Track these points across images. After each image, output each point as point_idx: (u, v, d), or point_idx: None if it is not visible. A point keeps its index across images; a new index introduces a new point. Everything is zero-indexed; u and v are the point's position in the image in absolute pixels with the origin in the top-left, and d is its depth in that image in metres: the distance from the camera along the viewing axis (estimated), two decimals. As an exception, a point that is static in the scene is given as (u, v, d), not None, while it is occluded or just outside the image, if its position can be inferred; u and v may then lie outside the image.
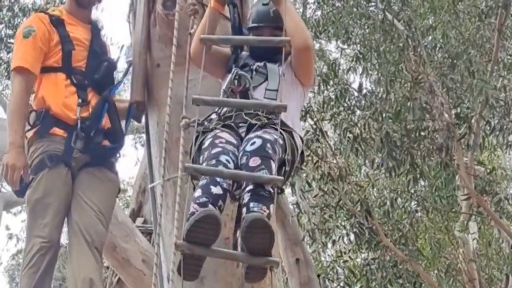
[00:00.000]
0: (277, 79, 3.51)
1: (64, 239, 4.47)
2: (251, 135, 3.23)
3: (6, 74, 11.50)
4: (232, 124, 3.39)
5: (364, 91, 8.29)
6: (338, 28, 8.50)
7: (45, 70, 4.04)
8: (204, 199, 3.07)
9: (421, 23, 8.22)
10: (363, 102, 8.20)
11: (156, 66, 4.17)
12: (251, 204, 3.01)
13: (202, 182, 3.15)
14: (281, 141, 3.24)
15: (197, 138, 3.35)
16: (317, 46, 9.57)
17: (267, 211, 2.99)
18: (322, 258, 10.90)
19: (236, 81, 3.48)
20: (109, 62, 4.20)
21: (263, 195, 3.04)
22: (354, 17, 8.43)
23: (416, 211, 8.94)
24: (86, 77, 4.07)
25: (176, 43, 3.65)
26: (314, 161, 8.51)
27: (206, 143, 3.27)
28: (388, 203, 8.47)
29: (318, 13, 9.13)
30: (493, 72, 7.91)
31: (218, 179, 3.12)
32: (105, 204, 3.99)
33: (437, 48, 8.22)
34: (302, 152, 3.53)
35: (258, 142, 3.13)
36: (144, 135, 4.63)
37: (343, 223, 8.90)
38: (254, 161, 3.07)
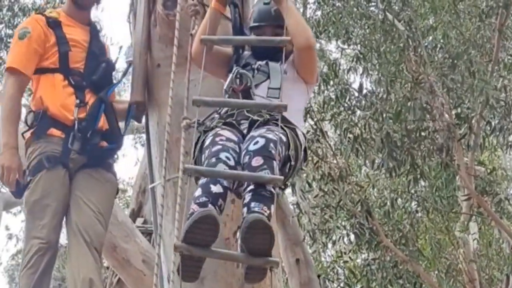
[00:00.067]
0: (279, 77, 3.51)
1: (63, 240, 4.47)
2: (254, 133, 3.22)
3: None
4: (234, 121, 3.39)
5: (365, 91, 8.29)
6: (339, 28, 8.50)
7: (43, 71, 4.04)
8: (204, 198, 3.06)
9: (421, 23, 8.22)
10: (363, 102, 8.20)
11: (157, 67, 4.16)
12: (252, 204, 3.00)
13: (202, 180, 3.14)
14: (284, 139, 3.24)
15: (199, 138, 3.35)
16: (317, 46, 9.55)
17: (268, 211, 2.99)
18: (322, 259, 10.90)
19: (238, 80, 3.48)
20: (107, 63, 4.20)
21: (264, 195, 3.03)
22: (355, 17, 8.43)
23: (417, 211, 8.95)
24: (84, 78, 4.07)
25: (177, 44, 3.65)
26: (315, 161, 8.52)
27: (207, 142, 3.27)
28: (388, 203, 8.47)
29: (318, 13, 9.13)
30: (493, 72, 7.92)
31: (218, 176, 3.11)
32: (104, 205, 3.99)
33: (438, 48, 8.22)
34: (305, 149, 3.51)
35: (261, 141, 3.12)
36: (144, 135, 4.63)
37: (343, 224, 8.89)
38: (257, 161, 3.07)
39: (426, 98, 7.61)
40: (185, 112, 3.45)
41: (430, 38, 8.42)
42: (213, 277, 3.80)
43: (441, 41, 8.10)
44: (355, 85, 8.69)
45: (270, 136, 3.16)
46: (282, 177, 3.09)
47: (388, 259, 8.17)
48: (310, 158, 8.46)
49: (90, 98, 4.04)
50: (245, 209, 3.03)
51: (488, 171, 8.73)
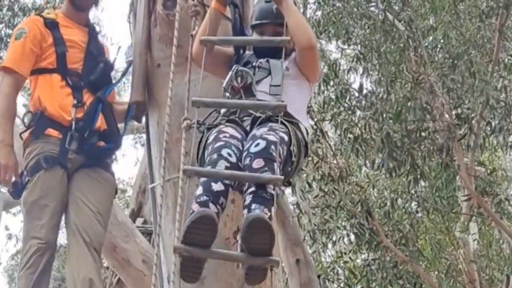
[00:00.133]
0: (280, 74, 3.51)
1: (63, 240, 4.47)
2: (256, 132, 3.22)
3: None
4: (237, 118, 3.39)
5: (365, 91, 8.29)
6: (339, 28, 8.50)
7: (41, 71, 4.06)
8: (205, 197, 3.06)
9: (421, 23, 8.22)
10: (363, 102, 8.20)
11: (157, 66, 4.17)
12: (253, 206, 3.00)
13: (203, 178, 3.14)
14: (286, 138, 3.24)
15: (202, 135, 3.35)
16: (317, 46, 9.56)
17: (269, 213, 2.98)
18: (323, 259, 10.90)
19: (239, 78, 3.47)
20: (105, 63, 4.21)
21: (265, 197, 3.02)
22: (355, 17, 8.42)
23: (417, 211, 8.95)
24: (82, 78, 4.08)
25: (177, 43, 3.65)
26: (315, 161, 8.51)
27: (211, 138, 3.28)
28: (388, 203, 8.47)
29: (319, 13, 9.13)
30: (493, 72, 7.92)
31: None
32: (103, 204, 3.99)
33: (438, 49, 8.23)
34: (307, 144, 3.51)
35: (262, 144, 3.12)
36: (144, 135, 4.63)
37: (343, 224, 8.89)
38: (258, 163, 3.07)
39: (426, 98, 7.61)
40: (185, 113, 3.44)
41: (431, 38, 8.43)
42: (213, 277, 3.80)
43: (442, 41, 8.10)
44: (355, 85, 8.69)
45: (271, 137, 3.15)
46: (282, 177, 3.08)
47: (388, 260, 8.17)
48: (310, 159, 8.47)
49: (88, 98, 4.05)
50: (245, 211, 3.03)
51: (488, 171, 8.72)
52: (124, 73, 4.52)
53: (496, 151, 10.36)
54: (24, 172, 3.93)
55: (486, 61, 8.12)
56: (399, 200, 8.85)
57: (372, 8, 8.48)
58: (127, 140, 16.41)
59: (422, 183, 8.45)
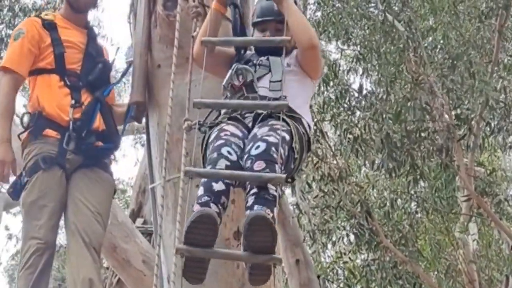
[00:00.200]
0: (280, 70, 3.51)
1: (63, 240, 4.48)
2: (257, 131, 3.21)
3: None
4: (238, 116, 3.39)
5: (364, 92, 8.31)
6: (338, 29, 8.52)
7: (39, 71, 4.07)
8: (206, 198, 3.05)
9: (421, 24, 8.24)
10: (363, 103, 8.21)
11: (157, 67, 4.16)
12: (255, 207, 2.99)
13: (204, 178, 3.15)
14: (287, 137, 3.23)
15: (204, 136, 3.36)
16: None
17: (271, 214, 2.97)
18: (322, 259, 10.91)
19: (240, 77, 3.47)
20: (104, 64, 4.22)
21: (267, 198, 3.02)
22: (354, 18, 8.44)
23: (416, 212, 8.96)
24: (81, 79, 4.09)
25: (177, 44, 3.65)
26: (314, 162, 8.52)
27: (212, 137, 3.28)
28: (388, 204, 8.49)
29: (318, 13, 9.15)
30: (493, 73, 7.94)
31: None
32: (102, 204, 3.99)
33: (438, 49, 8.24)
34: (309, 139, 3.51)
35: (263, 146, 3.12)
36: (144, 136, 4.63)
37: (343, 224, 8.90)
38: (259, 165, 3.06)
39: (426, 99, 7.63)
40: (186, 114, 3.44)
41: (430, 39, 8.44)
42: (214, 278, 3.80)
43: (441, 42, 8.11)
44: (355, 86, 8.72)
45: (271, 139, 3.14)
46: (283, 175, 3.07)
47: (388, 260, 8.18)
48: (310, 159, 8.48)
49: (86, 99, 4.06)
50: (247, 212, 3.02)
51: (488, 172, 8.74)
52: (124, 74, 4.52)
53: (495, 151, 10.37)
54: (23, 172, 3.93)
55: (486, 62, 8.14)
56: (399, 201, 8.87)
57: (371, 9, 8.51)
58: (127, 141, 16.44)
59: (422, 184, 8.47)
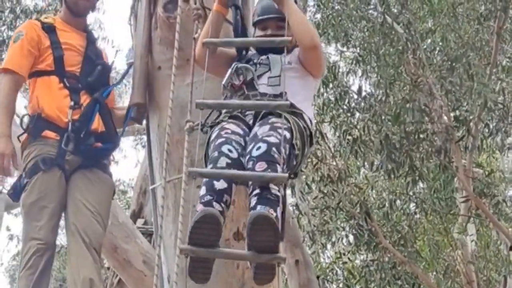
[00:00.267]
0: (279, 66, 3.54)
1: (64, 241, 4.49)
2: (258, 130, 3.22)
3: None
4: (239, 114, 3.41)
5: (364, 93, 8.32)
6: (338, 31, 8.53)
7: (39, 73, 4.09)
8: (208, 197, 3.07)
9: (420, 26, 8.25)
10: (362, 104, 8.23)
11: (158, 69, 4.17)
12: (258, 207, 3.00)
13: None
14: (288, 135, 3.24)
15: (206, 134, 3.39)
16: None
17: (274, 214, 2.98)
18: (322, 260, 10.91)
19: (241, 76, 3.49)
20: (103, 66, 4.24)
21: (270, 198, 3.03)
22: (354, 20, 8.45)
23: (415, 213, 8.97)
24: (80, 80, 4.11)
25: (177, 46, 3.67)
26: (314, 163, 8.54)
27: (213, 136, 3.30)
28: (387, 205, 8.51)
29: (318, 16, 9.16)
30: (491, 75, 7.95)
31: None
32: (101, 205, 4.01)
33: (436, 51, 8.25)
34: (311, 134, 3.52)
35: (264, 147, 3.12)
36: (145, 137, 4.64)
37: (342, 225, 8.92)
38: (260, 166, 3.06)
39: (425, 101, 7.64)
40: (188, 115, 3.46)
41: (429, 41, 8.45)
42: (214, 278, 3.79)
43: (440, 44, 8.13)
44: (354, 88, 8.73)
45: (272, 139, 3.15)
46: (286, 175, 3.07)
47: (387, 260, 8.19)
48: (309, 160, 8.50)
49: (85, 100, 4.08)
50: (251, 212, 3.03)
51: (486, 173, 8.76)
52: (124, 75, 4.54)
53: (494, 153, 10.38)
54: (23, 174, 3.95)
55: (484, 64, 8.16)
56: (398, 201, 8.88)
57: (371, 11, 8.52)
58: (128, 142, 16.45)
59: (421, 185, 8.48)
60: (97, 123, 4.08)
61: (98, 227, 3.94)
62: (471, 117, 7.73)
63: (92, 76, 4.14)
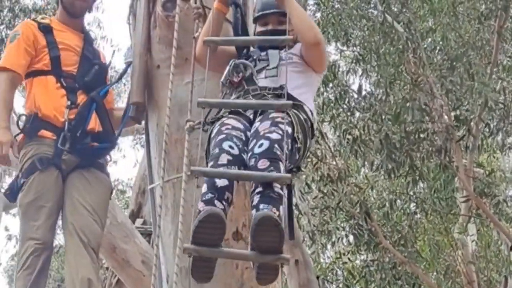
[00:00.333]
0: (277, 58, 3.54)
1: (63, 241, 4.48)
2: (259, 126, 3.21)
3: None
4: (240, 109, 3.40)
5: (364, 93, 8.32)
6: (338, 30, 8.53)
7: (36, 73, 4.09)
8: (210, 195, 3.06)
9: (420, 25, 8.24)
10: (362, 103, 8.23)
11: (156, 68, 4.16)
12: (261, 206, 2.99)
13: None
14: (290, 130, 3.24)
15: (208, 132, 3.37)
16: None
17: (277, 213, 2.97)
18: (322, 260, 10.91)
19: (240, 73, 3.48)
20: (99, 66, 4.23)
21: (272, 197, 3.02)
22: (354, 19, 8.45)
23: (415, 213, 8.96)
24: (77, 80, 4.11)
25: (176, 45, 3.66)
26: (314, 162, 8.53)
27: (214, 132, 3.29)
28: (387, 204, 8.50)
29: (318, 15, 9.15)
30: (492, 74, 7.94)
31: (222, 168, 3.11)
32: (99, 205, 4.00)
33: (437, 50, 8.25)
34: (313, 125, 3.51)
35: (266, 144, 3.12)
36: (144, 136, 4.63)
37: (342, 225, 8.91)
38: (263, 163, 3.06)
39: (425, 100, 7.63)
40: (188, 115, 3.45)
41: (429, 40, 8.45)
42: (213, 278, 3.81)
43: (440, 43, 8.12)
44: (354, 87, 8.74)
45: (274, 136, 3.14)
46: (289, 175, 3.07)
47: (387, 260, 8.19)
48: (309, 160, 8.49)
49: (82, 100, 4.08)
50: (253, 211, 3.02)
51: (487, 173, 8.75)
52: (122, 74, 4.54)
53: (494, 152, 10.37)
54: (19, 174, 3.94)
55: (485, 63, 8.15)
56: (398, 201, 8.87)
57: (371, 10, 8.51)
58: (127, 141, 16.44)
59: (421, 184, 8.47)
60: (94, 123, 4.07)
61: (96, 226, 3.93)
62: (471, 117, 7.73)
63: (89, 75, 4.14)
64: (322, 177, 8.28)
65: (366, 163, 8.38)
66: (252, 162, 3.10)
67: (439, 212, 8.65)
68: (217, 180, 3.09)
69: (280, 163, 3.08)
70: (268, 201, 3.00)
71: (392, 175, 7.69)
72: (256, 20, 3.74)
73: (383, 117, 7.72)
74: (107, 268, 6.83)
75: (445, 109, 8.02)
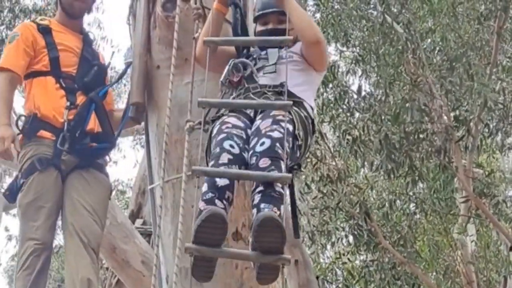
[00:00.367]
0: (275, 56, 3.56)
1: (62, 241, 4.48)
2: (260, 124, 3.22)
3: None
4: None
5: (363, 93, 8.32)
6: (338, 30, 8.52)
7: (35, 74, 4.10)
8: (210, 194, 3.07)
9: (420, 25, 8.24)
10: (362, 104, 8.23)
11: (156, 68, 4.17)
12: (262, 205, 3.00)
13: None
14: (291, 128, 3.25)
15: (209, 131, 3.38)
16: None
17: (278, 212, 2.99)
18: (321, 260, 10.92)
19: (239, 71, 3.49)
20: (99, 67, 4.24)
21: (273, 196, 3.03)
22: (354, 20, 8.45)
23: (415, 213, 8.96)
24: (76, 81, 4.12)
25: (176, 45, 3.67)
26: (313, 163, 8.53)
27: (215, 131, 3.29)
28: (387, 205, 8.50)
29: (318, 15, 9.15)
30: (492, 75, 7.94)
31: (222, 168, 3.12)
32: (99, 205, 4.01)
33: (436, 51, 8.24)
34: (313, 122, 3.52)
35: (267, 142, 3.13)
36: (144, 137, 4.64)
37: (342, 225, 8.91)
38: (264, 162, 3.07)
39: (425, 100, 7.64)
40: (188, 115, 3.46)
41: (429, 40, 8.44)
42: (213, 278, 3.82)
43: (440, 43, 8.12)
44: (354, 87, 8.73)
45: (275, 134, 3.15)
46: (290, 175, 3.08)
47: (387, 261, 8.19)
48: (309, 160, 8.49)
49: (81, 101, 4.09)
50: (254, 210, 3.03)
51: (486, 173, 8.75)
52: (121, 74, 4.54)
53: (494, 153, 10.37)
54: (19, 174, 3.95)
55: (484, 64, 8.15)
56: (398, 202, 8.88)
57: (370, 11, 8.51)
58: (127, 142, 16.44)
59: (420, 185, 8.48)
60: (93, 123, 4.07)
61: (96, 227, 3.94)
62: (471, 117, 7.72)
63: (88, 76, 4.14)
64: (322, 178, 8.28)
65: (365, 163, 8.38)
66: (253, 160, 3.11)
67: (439, 212, 8.65)
68: (217, 179, 3.10)
69: (281, 161, 3.09)
70: (269, 201, 3.01)
71: (392, 176, 7.69)
72: (256, 19, 3.75)
73: (383, 117, 7.72)
74: (107, 269, 6.84)
75: (445, 109, 8.02)
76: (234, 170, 3.12)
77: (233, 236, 3.87)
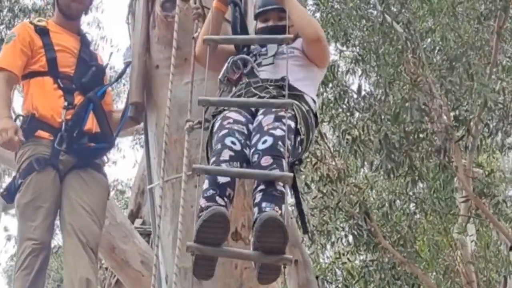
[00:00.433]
0: (274, 49, 3.56)
1: (61, 241, 4.48)
2: (262, 120, 3.21)
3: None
4: None
5: (363, 93, 8.32)
6: (337, 30, 8.52)
7: (33, 74, 4.10)
8: (211, 191, 3.07)
9: (420, 25, 8.24)
10: (362, 104, 8.22)
11: (155, 68, 4.16)
12: (263, 204, 3.00)
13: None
14: (293, 124, 3.24)
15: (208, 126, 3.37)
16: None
17: (279, 211, 2.98)
18: (321, 260, 10.91)
19: (238, 69, 3.48)
20: (97, 67, 4.24)
21: (275, 195, 3.03)
22: (353, 19, 8.44)
23: (415, 213, 8.96)
24: (74, 81, 4.12)
25: (175, 45, 3.66)
26: (313, 162, 8.53)
27: (216, 126, 3.29)
28: (386, 205, 8.50)
29: (317, 15, 9.14)
30: (491, 74, 7.94)
31: (224, 164, 3.11)
32: (97, 205, 4.00)
33: (436, 51, 8.25)
34: (316, 115, 3.52)
35: (270, 140, 3.12)
36: (143, 136, 4.63)
37: (342, 225, 8.91)
38: (266, 160, 3.07)
39: (425, 100, 7.64)
40: (188, 115, 3.45)
41: (429, 40, 8.45)
42: (212, 278, 3.81)
43: (440, 43, 8.12)
44: (354, 87, 8.73)
45: (277, 132, 3.14)
46: (291, 174, 3.07)
47: (386, 261, 8.19)
48: (309, 160, 8.48)
49: (79, 101, 4.08)
50: (256, 209, 3.03)
51: (486, 173, 8.75)
52: (120, 74, 4.54)
53: (494, 152, 10.37)
54: (17, 174, 3.94)
55: (484, 63, 8.15)
56: (397, 202, 8.88)
57: (370, 10, 8.51)
58: (126, 142, 16.43)
59: (420, 185, 8.48)
60: (91, 123, 4.07)
61: (95, 227, 3.93)
62: (471, 117, 7.73)
63: (86, 77, 4.14)
64: (322, 177, 8.28)
65: (365, 163, 8.38)
66: (255, 158, 3.11)
67: (439, 212, 8.65)
68: (218, 176, 3.09)
69: (283, 160, 3.08)
70: (271, 200, 3.01)
71: (392, 175, 7.69)
72: (257, 16, 3.75)
73: (383, 117, 7.72)
74: (106, 268, 6.83)
75: (444, 109, 8.02)
76: (235, 168, 3.11)
77: (233, 236, 3.86)
